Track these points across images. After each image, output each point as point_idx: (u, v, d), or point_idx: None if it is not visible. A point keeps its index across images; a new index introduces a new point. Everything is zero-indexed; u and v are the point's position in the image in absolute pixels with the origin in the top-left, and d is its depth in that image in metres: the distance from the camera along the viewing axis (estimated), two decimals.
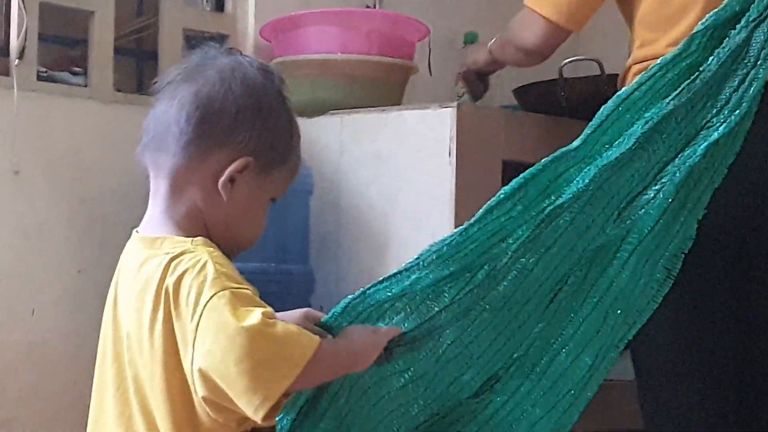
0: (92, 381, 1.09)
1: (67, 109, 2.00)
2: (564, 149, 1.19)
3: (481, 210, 1.14)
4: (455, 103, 1.86)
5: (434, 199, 1.87)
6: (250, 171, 1.00)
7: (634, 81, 1.24)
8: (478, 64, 2.01)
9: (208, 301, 0.89)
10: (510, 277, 1.14)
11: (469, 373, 1.17)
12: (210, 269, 0.91)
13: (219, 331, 0.87)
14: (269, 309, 0.91)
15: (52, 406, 1.91)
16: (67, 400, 1.89)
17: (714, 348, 1.45)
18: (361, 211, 2.02)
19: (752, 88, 1.18)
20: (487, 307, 1.15)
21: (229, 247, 1.02)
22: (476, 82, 2.10)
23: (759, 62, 1.19)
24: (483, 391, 1.20)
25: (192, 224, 1.00)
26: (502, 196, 1.14)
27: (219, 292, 0.88)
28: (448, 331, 1.14)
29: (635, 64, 1.60)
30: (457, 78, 2.18)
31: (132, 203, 1.96)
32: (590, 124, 1.22)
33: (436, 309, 1.12)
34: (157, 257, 0.95)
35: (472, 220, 1.13)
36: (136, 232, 1.04)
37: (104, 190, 2.00)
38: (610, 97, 1.35)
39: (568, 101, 1.99)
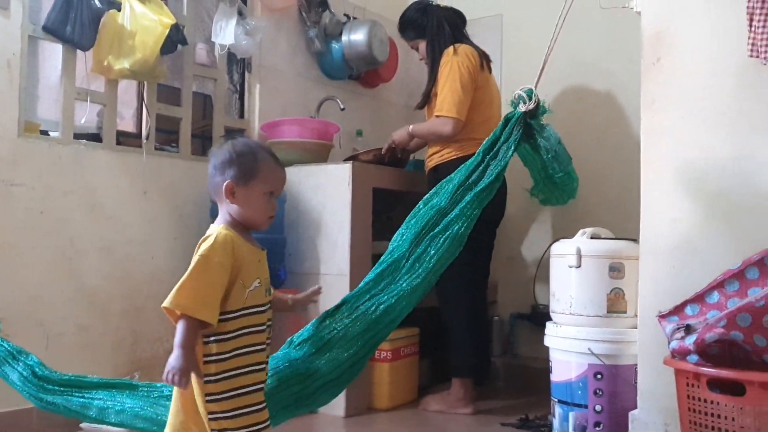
0: None
1: (169, 163, 2.69)
2: (425, 197, 1.58)
3: (374, 270, 1.54)
4: (351, 162, 2.67)
5: (342, 205, 2.68)
6: (236, 186, 1.26)
7: (469, 161, 1.64)
8: (402, 140, 2.73)
9: (196, 255, 1.18)
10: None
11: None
12: (209, 242, 1.19)
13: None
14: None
15: None
16: None
17: (476, 257, 2.58)
18: (308, 210, 2.77)
19: (497, 170, 1.60)
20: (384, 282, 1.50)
21: (246, 228, 1.27)
22: (395, 150, 2.79)
23: (500, 157, 1.62)
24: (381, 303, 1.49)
25: (225, 217, 1.29)
26: (372, 275, 1.52)
27: (203, 253, 1.20)
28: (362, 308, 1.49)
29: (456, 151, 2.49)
30: (385, 150, 2.78)
31: (202, 208, 2.67)
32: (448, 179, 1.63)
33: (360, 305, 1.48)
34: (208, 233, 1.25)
35: (371, 274, 1.51)
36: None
37: (187, 202, 2.72)
38: (390, 162, 2.41)
39: (389, 161, 2.93)
